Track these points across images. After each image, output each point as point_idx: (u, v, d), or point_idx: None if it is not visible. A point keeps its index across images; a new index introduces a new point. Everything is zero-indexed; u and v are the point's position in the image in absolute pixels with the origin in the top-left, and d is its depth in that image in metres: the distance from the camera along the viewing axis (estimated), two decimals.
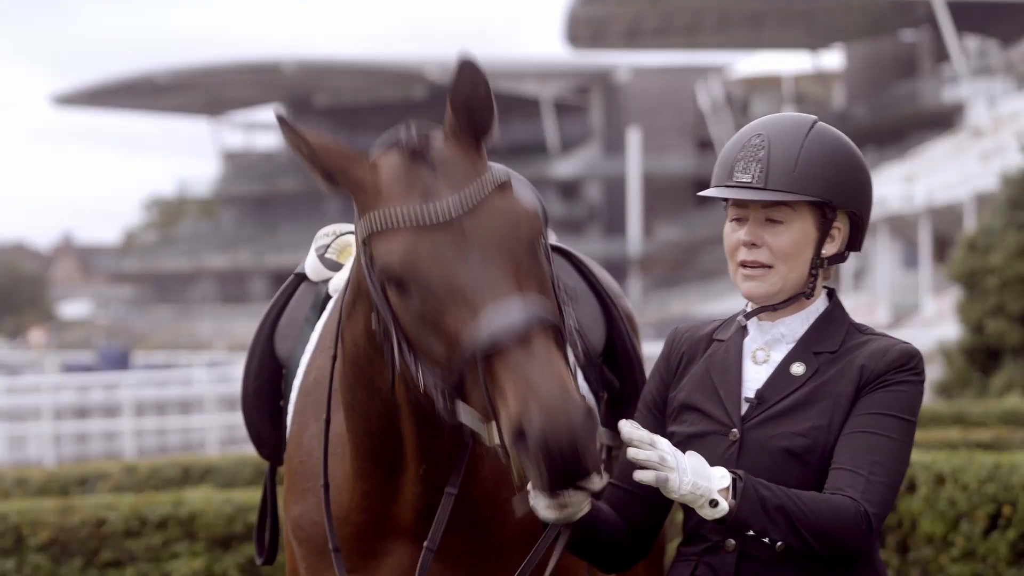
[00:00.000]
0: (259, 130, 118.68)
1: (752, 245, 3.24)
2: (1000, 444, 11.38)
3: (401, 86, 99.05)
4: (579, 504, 3.02)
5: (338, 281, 3.95)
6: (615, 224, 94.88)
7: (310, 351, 3.96)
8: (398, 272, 3.10)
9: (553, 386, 2.91)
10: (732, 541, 3.19)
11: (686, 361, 3.37)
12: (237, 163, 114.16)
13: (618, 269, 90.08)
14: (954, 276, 21.69)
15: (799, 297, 3.28)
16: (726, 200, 3.31)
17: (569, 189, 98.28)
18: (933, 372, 23.61)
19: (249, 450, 11.06)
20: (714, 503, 3.01)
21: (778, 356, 3.27)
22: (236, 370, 28.74)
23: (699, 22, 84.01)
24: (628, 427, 3.04)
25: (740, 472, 3.06)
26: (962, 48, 72.85)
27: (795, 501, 3.05)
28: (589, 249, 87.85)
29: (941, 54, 75.85)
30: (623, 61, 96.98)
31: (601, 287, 4.21)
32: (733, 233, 3.27)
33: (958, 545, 7.54)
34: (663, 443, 3.04)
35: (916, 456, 7.97)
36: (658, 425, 3.34)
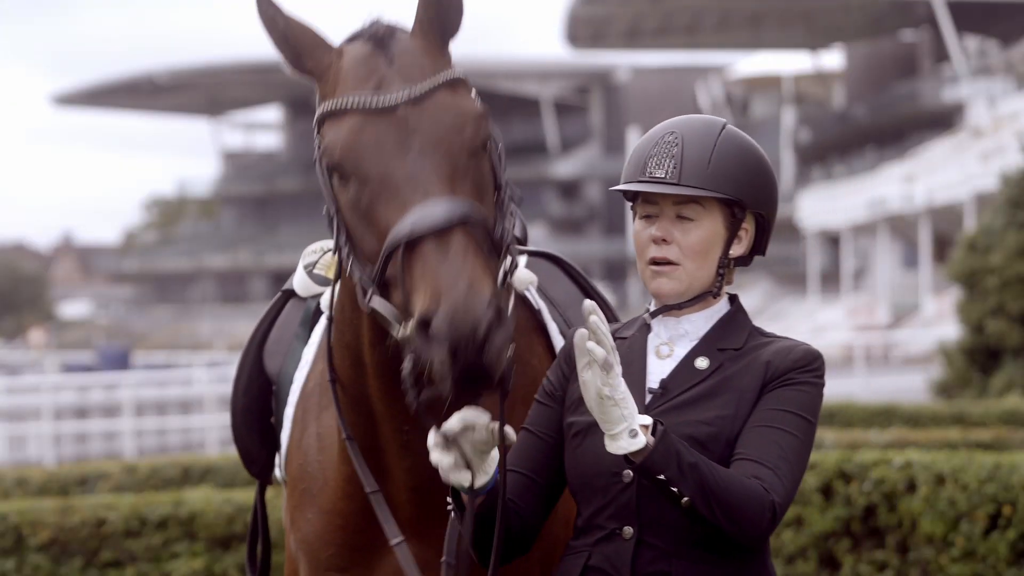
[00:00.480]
0: (259, 130, 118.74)
1: (663, 241, 3.26)
2: (1000, 444, 11.39)
3: None
4: (471, 441, 3.03)
5: (326, 298, 3.95)
6: (615, 224, 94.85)
7: (308, 362, 3.96)
8: (338, 158, 3.14)
9: (462, 282, 2.93)
10: (630, 528, 3.17)
11: None
12: (237, 163, 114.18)
13: (618, 269, 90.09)
14: (954, 276, 21.70)
15: (705, 296, 3.30)
16: (634, 200, 3.33)
17: (569, 189, 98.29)
18: (933, 372, 23.63)
19: None
20: (634, 433, 2.99)
21: (682, 351, 3.29)
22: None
23: (699, 22, 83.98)
24: (589, 304, 3.02)
25: (660, 419, 3.07)
26: (962, 48, 72.84)
27: (709, 466, 3.05)
28: (589, 249, 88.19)
29: (941, 54, 75.84)
30: (623, 61, 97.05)
31: (593, 290, 4.23)
32: (643, 231, 3.29)
33: (958, 545, 7.54)
34: (615, 355, 3.03)
35: (916, 456, 7.98)
36: (551, 415, 3.34)
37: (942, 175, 50.46)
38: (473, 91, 3.27)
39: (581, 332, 3.00)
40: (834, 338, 44.66)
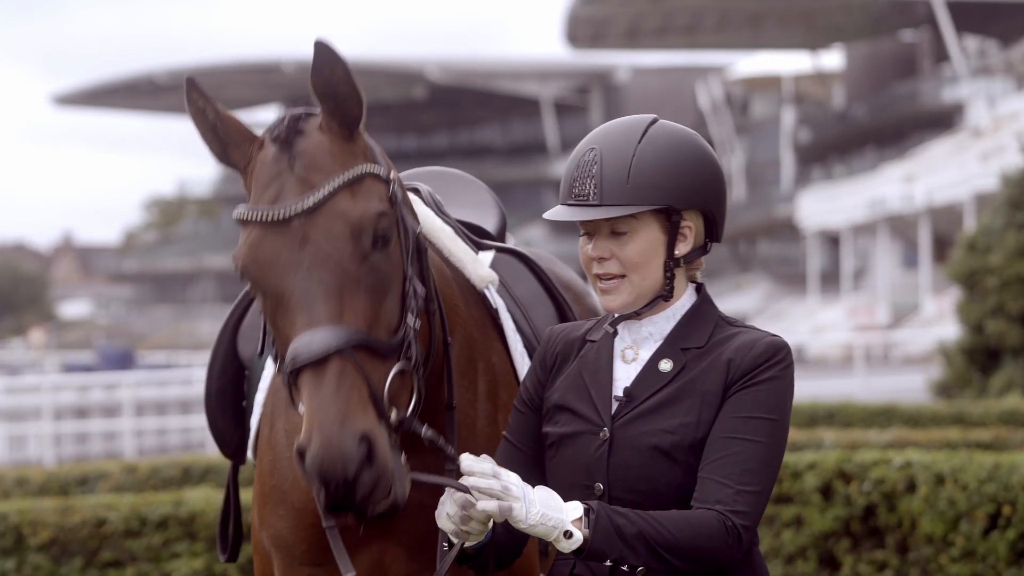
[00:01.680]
0: (259, 130, 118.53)
1: (601, 259, 3.25)
2: (1000, 444, 11.39)
3: (401, 86, 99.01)
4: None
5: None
6: None
7: None
8: (241, 269, 3.20)
9: (331, 416, 3.01)
10: None
11: (560, 361, 3.37)
12: None
13: None
14: (954, 276, 21.69)
15: (657, 300, 3.27)
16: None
17: None
18: (933, 372, 23.63)
19: None
20: (568, 534, 3.02)
21: (646, 354, 3.27)
22: None
23: (699, 22, 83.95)
24: (468, 460, 3.06)
25: (592, 503, 3.06)
26: (962, 48, 72.83)
27: (654, 525, 3.05)
28: None
29: (941, 54, 75.82)
30: (623, 61, 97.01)
31: (557, 291, 4.23)
32: (585, 247, 3.29)
33: (958, 545, 7.54)
34: (509, 475, 3.05)
35: (916, 456, 7.98)
36: (534, 423, 3.36)
37: (942, 175, 50.45)
38: (382, 181, 3.23)
39: (472, 484, 3.04)
40: (834, 338, 44.67)
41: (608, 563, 3.05)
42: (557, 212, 3.29)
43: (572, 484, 3.21)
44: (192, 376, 28.88)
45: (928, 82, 73.05)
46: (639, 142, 3.26)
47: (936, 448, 10.17)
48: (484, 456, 3.08)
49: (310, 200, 3.13)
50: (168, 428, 25.00)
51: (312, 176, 3.16)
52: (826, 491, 8.12)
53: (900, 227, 55.40)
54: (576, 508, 3.04)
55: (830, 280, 64.18)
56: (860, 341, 32.96)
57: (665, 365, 3.23)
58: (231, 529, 4.44)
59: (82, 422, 24.26)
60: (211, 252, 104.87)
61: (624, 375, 3.27)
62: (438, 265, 3.78)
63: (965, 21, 73.02)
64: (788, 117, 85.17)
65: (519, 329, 4.04)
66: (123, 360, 42.43)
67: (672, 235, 3.25)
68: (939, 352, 22.29)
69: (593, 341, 3.34)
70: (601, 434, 3.21)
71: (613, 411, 3.22)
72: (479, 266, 3.99)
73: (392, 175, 3.29)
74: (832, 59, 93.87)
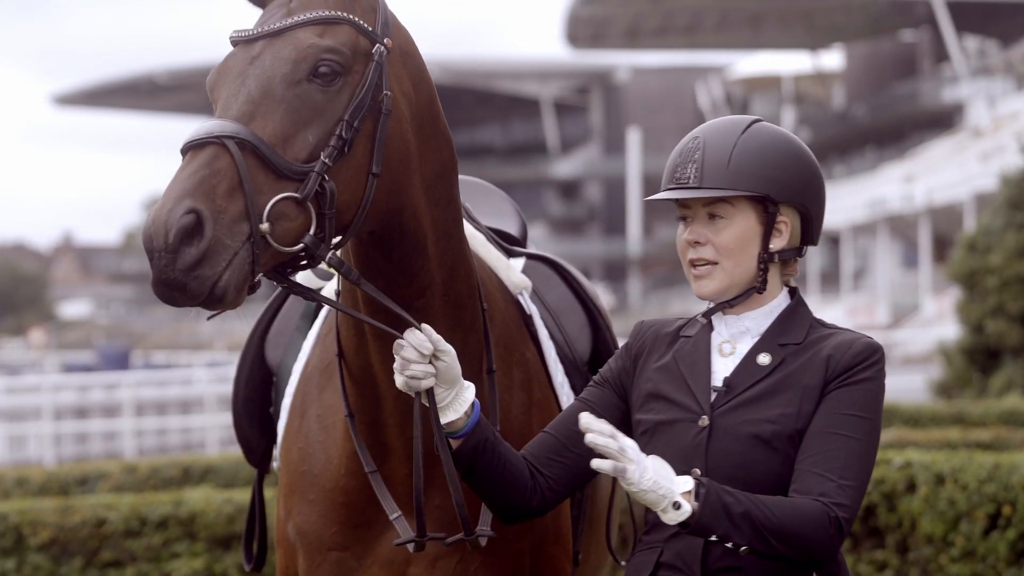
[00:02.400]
0: None
1: (696, 243, 3.33)
2: (1000, 444, 11.38)
3: None
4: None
5: (330, 291, 3.98)
6: (615, 224, 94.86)
7: (307, 350, 4.00)
8: (207, 83, 3.31)
9: (175, 190, 3.04)
10: None
11: (647, 352, 3.43)
12: None
13: (618, 269, 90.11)
14: (954, 276, 21.70)
15: (751, 292, 3.34)
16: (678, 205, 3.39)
17: (569, 189, 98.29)
18: (933, 372, 23.63)
19: None
20: (677, 505, 3.04)
21: (744, 348, 3.33)
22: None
23: (699, 22, 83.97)
24: (588, 417, 3.09)
25: (703, 478, 3.10)
26: (962, 48, 72.84)
27: (760, 507, 3.08)
28: (589, 249, 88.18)
29: (941, 54, 75.84)
30: (623, 61, 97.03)
31: (588, 298, 4.25)
32: (681, 234, 3.37)
33: (958, 545, 7.54)
34: (626, 439, 3.08)
35: (916, 456, 7.97)
36: (609, 397, 3.43)
37: (942, 175, 50.46)
38: (363, 35, 3.34)
39: (592, 440, 3.06)
40: None
41: (712, 539, 3.08)
42: (659, 194, 3.37)
43: None
44: (192, 376, 28.89)
45: (928, 82, 73.07)
46: (742, 133, 3.35)
47: (936, 448, 10.16)
48: (600, 420, 3.10)
49: (276, 25, 3.27)
50: (168, 428, 25.00)
51: (298, 11, 3.29)
52: None
53: (900, 227, 55.42)
54: (687, 481, 3.07)
55: (830, 280, 64.21)
56: None
57: (764, 359, 3.30)
58: (256, 539, 4.43)
59: (82, 422, 24.26)
60: None
61: (722, 367, 3.33)
62: (477, 267, 3.83)
63: (965, 21, 73.04)
64: (788, 117, 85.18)
65: (551, 336, 4.07)
66: (121, 360, 42.46)
67: (768, 228, 3.33)
68: (939, 352, 22.29)
69: (688, 336, 3.40)
70: (700, 421, 3.26)
71: (712, 400, 3.28)
72: (512, 272, 4.03)
73: (387, 41, 3.36)
74: (832, 59, 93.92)
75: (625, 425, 3.38)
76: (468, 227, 3.95)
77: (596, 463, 3.05)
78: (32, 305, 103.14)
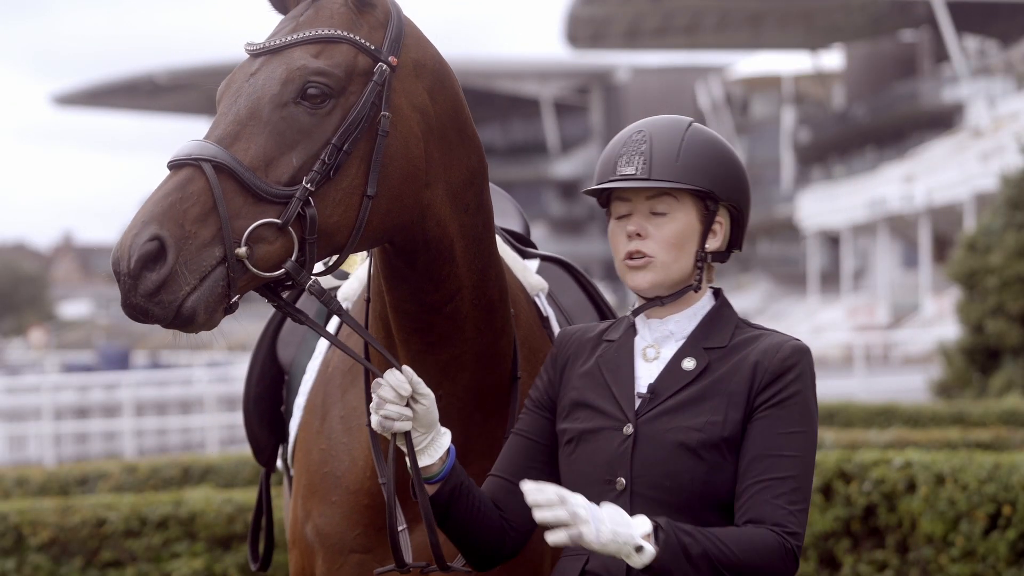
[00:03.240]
0: None
1: (636, 236, 3.29)
2: (1000, 444, 11.39)
3: None
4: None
5: (347, 290, 3.97)
6: None
7: (322, 351, 4.00)
8: (217, 92, 3.31)
9: (144, 213, 3.03)
10: None
11: (572, 360, 3.39)
12: None
13: None
14: (954, 276, 21.70)
15: (687, 290, 3.31)
16: (608, 203, 3.37)
17: (569, 189, 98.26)
18: (933, 372, 23.62)
19: (249, 450, 11.05)
20: (639, 548, 3.01)
21: (668, 352, 3.30)
22: (236, 370, 28.72)
23: (699, 22, 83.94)
24: (531, 488, 3.02)
25: (660, 520, 3.06)
26: (962, 48, 72.81)
27: (718, 545, 3.06)
28: (589, 249, 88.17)
29: (941, 54, 75.80)
30: (623, 61, 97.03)
31: (601, 300, 4.25)
32: (618, 229, 3.33)
33: (958, 545, 7.54)
34: (575, 497, 3.01)
35: (916, 456, 7.97)
36: (544, 423, 3.38)
37: (942, 175, 50.44)
38: (364, 53, 3.28)
39: (541, 516, 2.99)
40: (834, 338, 44.65)
41: None
42: (605, 184, 3.33)
43: (593, 479, 3.23)
44: (192, 376, 28.89)
45: (928, 82, 73.04)
46: (686, 130, 3.34)
47: (936, 448, 10.17)
48: (541, 484, 3.03)
49: (278, 41, 3.26)
50: (168, 428, 25.00)
51: (302, 27, 3.28)
52: (826, 491, 8.12)
53: (900, 227, 55.41)
54: (644, 523, 3.04)
55: (830, 280, 64.19)
56: (860, 341, 32.98)
57: (688, 363, 3.26)
58: (262, 538, 4.42)
59: (82, 422, 24.26)
60: None
61: (646, 373, 3.29)
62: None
63: (965, 21, 73.00)
64: (788, 117, 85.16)
65: None
66: (121, 360, 42.45)
67: (706, 226, 3.31)
68: (939, 352, 22.29)
69: (611, 340, 3.37)
70: (625, 429, 3.23)
71: (636, 407, 3.25)
72: (529, 274, 4.02)
73: (392, 59, 3.30)
74: (832, 59, 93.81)
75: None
76: None
77: (551, 538, 2.99)
78: (32, 305, 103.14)
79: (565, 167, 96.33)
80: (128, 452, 22.98)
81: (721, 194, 3.30)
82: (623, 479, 3.19)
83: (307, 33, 3.24)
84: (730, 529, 3.12)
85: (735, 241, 3.38)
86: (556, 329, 3.99)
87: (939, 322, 40.66)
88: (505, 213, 4.51)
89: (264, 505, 4.43)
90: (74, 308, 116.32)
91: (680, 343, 3.30)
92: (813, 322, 53.43)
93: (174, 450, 23.33)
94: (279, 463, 4.27)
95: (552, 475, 3.34)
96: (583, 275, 4.31)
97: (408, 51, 3.36)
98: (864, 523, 8.00)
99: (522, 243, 4.34)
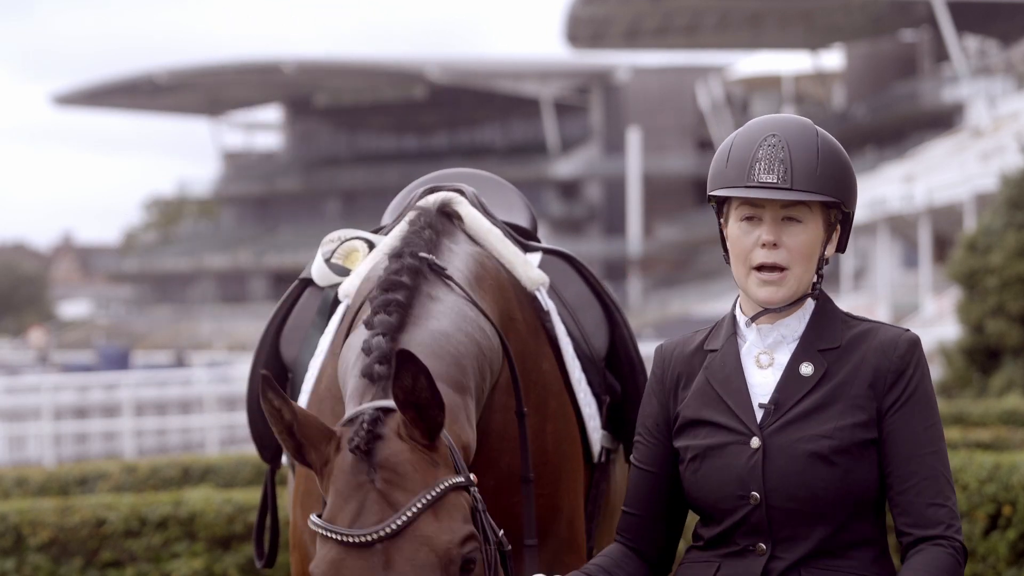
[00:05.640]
0: (259, 130, 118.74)
1: (773, 245, 3.21)
2: (1000, 444, 11.37)
3: (401, 86, 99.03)
4: None
5: (349, 287, 3.95)
6: (615, 224, 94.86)
7: (321, 356, 3.97)
8: None
9: None
10: (763, 545, 3.17)
11: (684, 380, 3.32)
12: (237, 163, 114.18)
13: (618, 269, 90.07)
14: (954, 276, 21.69)
15: (805, 297, 3.27)
16: (722, 203, 3.28)
17: (569, 189, 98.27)
18: (933, 372, 23.60)
19: (249, 450, 11.07)
20: None
21: (783, 358, 3.24)
22: (236, 370, 28.74)
23: (699, 22, 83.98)
24: None
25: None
26: (962, 48, 72.84)
27: None
28: (589, 249, 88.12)
29: (941, 54, 75.85)
30: (623, 61, 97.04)
31: (605, 293, 4.23)
32: (747, 235, 3.23)
33: None
34: None
35: None
36: (659, 451, 3.33)
37: (942, 175, 50.46)
38: (464, 491, 3.10)
39: None
40: None
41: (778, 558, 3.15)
42: (742, 191, 3.23)
43: (725, 495, 3.18)
44: (192, 376, 28.90)
45: (928, 82, 73.09)
46: (817, 136, 3.29)
47: None
48: None
49: (393, 524, 2.98)
50: (168, 428, 25.00)
51: (394, 494, 3.01)
52: None
53: (900, 227, 55.41)
54: None
55: (830, 280, 64.14)
56: None
57: (807, 369, 3.22)
58: (268, 534, 4.39)
59: (82, 422, 24.26)
60: (211, 252, 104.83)
61: (761, 380, 3.24)
62: (494, 271, 3.78)
63: (965, 21, 73.05)
64: None
65: (568, 333, 4.01)
66: (120, 360, 42.47)
67: (829, 233, 3.29)
68: (939, 352, 22.28)
69: (714, 350, 3.31)
70: (752, 443, 3.18)
71: (759, 419, 3.20)
72: (529, 268, 3.98)
73: (473, 480, 3.13)
74: (832, 59, 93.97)
75: None
76: (485, 222, 3.93)
77: None
78: (32, 305, 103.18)
79: (565, 167, 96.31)
80: (128, 452, 22.98)
81: (847, 203, 3.28)
82: (756, 493, 3.16)
83: (419, 503, 3.01)
84: (916, 567, 3.29)
85: (841, 244, 3.36)
86: (556, 323, 3.97)
87: (939, 322, 40.65)
88: (513, 207, 4.49)
89: (269, 502, 4.42)
90: (74, 308, 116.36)
91: (792, 346, 3.26)
92: None
93: (174, 450, 23.33)
94: (284, 459, 4.26)
95: (677, 498, 3.31)
96: (585, 268, 4.28)
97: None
98: None
99: (525, 236, 4.31)
